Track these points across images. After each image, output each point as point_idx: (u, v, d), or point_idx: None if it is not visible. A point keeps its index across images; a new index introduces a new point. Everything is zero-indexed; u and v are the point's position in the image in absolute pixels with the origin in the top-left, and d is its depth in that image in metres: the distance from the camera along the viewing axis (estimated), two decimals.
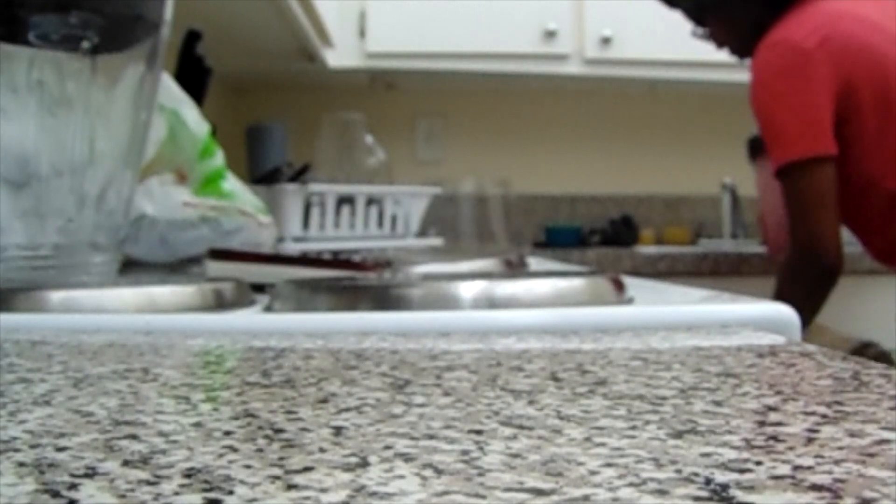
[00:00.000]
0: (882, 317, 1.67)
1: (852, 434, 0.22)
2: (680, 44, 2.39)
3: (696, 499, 0.17)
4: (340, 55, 2.28)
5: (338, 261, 0.85)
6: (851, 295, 1.71)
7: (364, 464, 0.20)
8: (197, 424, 0.24)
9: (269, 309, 0.57)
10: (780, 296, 1.51)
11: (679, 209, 2.72)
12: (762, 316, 0.46)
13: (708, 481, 0.18)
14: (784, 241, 1.74)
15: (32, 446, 0.22)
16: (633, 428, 0.23)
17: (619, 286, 0.57)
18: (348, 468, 0.19)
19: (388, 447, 0.21)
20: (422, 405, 0.26)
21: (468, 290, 0.52)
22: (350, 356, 0.37)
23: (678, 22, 2.38)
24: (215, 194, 0.98)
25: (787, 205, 1.48)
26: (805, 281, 1.49)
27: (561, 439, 0.22)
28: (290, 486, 0.18)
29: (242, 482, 0.18)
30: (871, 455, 0.20)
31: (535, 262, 1.21)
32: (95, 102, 0.69)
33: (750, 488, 0.18)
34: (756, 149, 1.96)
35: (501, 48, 2.34)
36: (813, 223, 1.45)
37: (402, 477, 0.19)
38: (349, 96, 2.56)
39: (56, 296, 0.53)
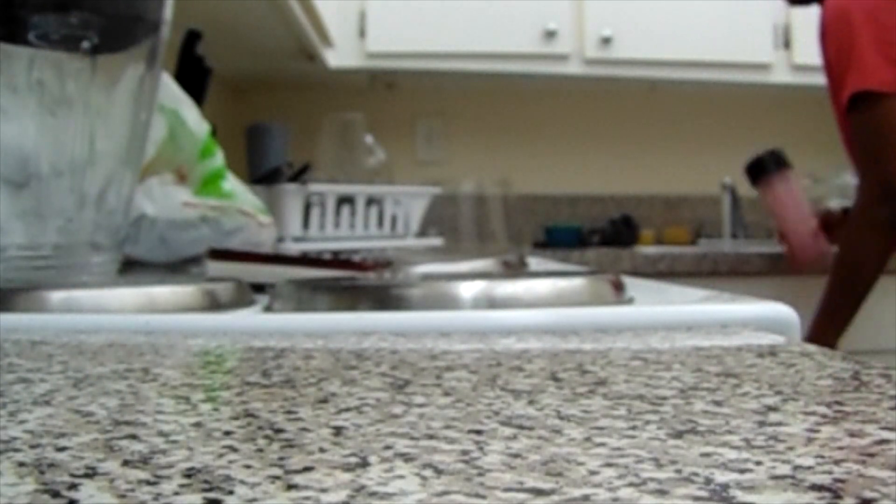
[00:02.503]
0: (885, 317, 1.67)
1: (852, 434, 0.22)
2: (680, 44, 2.39)
3: (696, 499, 0.17)
4: (340, 55, 2.28)
5: (338, 261, 0.85)
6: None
7: (364, 464, 0.20)
8: (197, 424, 0.24)
9: (269, 309, 0.57)
10: (853, 245, 1.45)
11: (679, 209, 2.72)
12: (762, 316, 0.46)
13: (708, 481, 0.18)
14: (811, 244, 1.72)
15: (32, 446, 0.22)
16: (633, 428, 0.23)
17: (619, 286, 0.57)
18: (348, 468, 0.19)
19: (388, 447, 0.21)
20: (422, 405, 0.26)
21: (468, 290, 0.52)
22: (350, 356, 0.37)
23: (678, 22, 2.38)
24: (215, 194, 0.98)
25: (859, 140, 1.41)
26: (882, 224, 1.43)
27: (561, 439, 0.22)
28: (290, 486, 0.18)
29: (242, 482, 0.18)
30: (871, 455, 0.20)
31: (535, 262, 1.21)
32: (95, 102, 0.69)
33: (750, 488, 0.18)
34: (758, 171, 1.94)
35: (501, 48, 2.34)
36: (889, 159, 1.38)
37: (402, 477, 0.19)
38: (349, 96, 2.56)
39: (56, 296, 0.53)
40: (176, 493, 0.18)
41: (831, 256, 1.66)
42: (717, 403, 0.26)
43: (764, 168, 1.90)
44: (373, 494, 0.17)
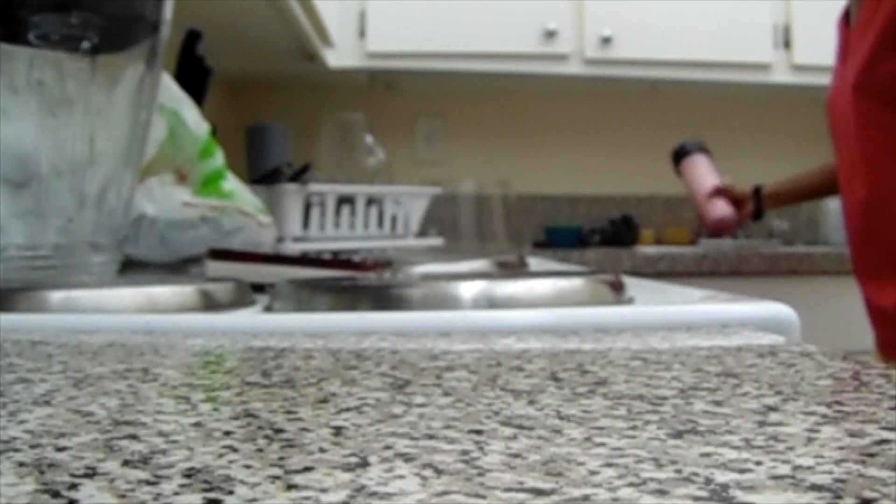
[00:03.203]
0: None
1: (852, 434, 0.22)
2: (680, 44, 2.39)
3: (696, 499, 0.17)
4: (340, 55, 2.28)
5: (338, 261, 0.85)
6: (841, 296, 1.71)
7: (364, 464, 0.20)
8: (197, 424, 0.24)
9: (269, 309, 0.57)
10: None
11: (679, 209, 2.72)
12: (762, 316, 0.46)
13: (708, 481, 0.18)
14: (708, 209, 1.91)
15: (32, 446, 0.22)
16: (633, 428, 0.23)
17: (619, 286, 0.57)
18: (348, 468, 0.19)
19: (388, 447, 0.21)
20: (422, 405, 0.26)
21: (468, 290, 0.52)
22: (350, 356, 0.37)
23: (678, 22, 2.38)
24: (215, 194, 0.98)
25: None
26: None
27: (561, 439, 0.22)
28: (290, 486, 0.18)
29: (242, 482, 0.18)
30: (871, 455, 0.20)
31: (535, 262, 1.21)
32: (95, 102, 0.69)
33: (750, 488, 0.18)
34: (678, 154, 2.08)
35: (501, 48, 2.34)
36: None
37: (402, 477, 0.19)
38: (349, 96, 2.56)
39: (56, 296, 0.53)
40: (176, 493, 0.18)
41: (733, 224, 1.87)
42: (717, 403, 0.26)
43: (684, 150, 2.05)
44: (373, 494, 0.17)
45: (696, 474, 0.19)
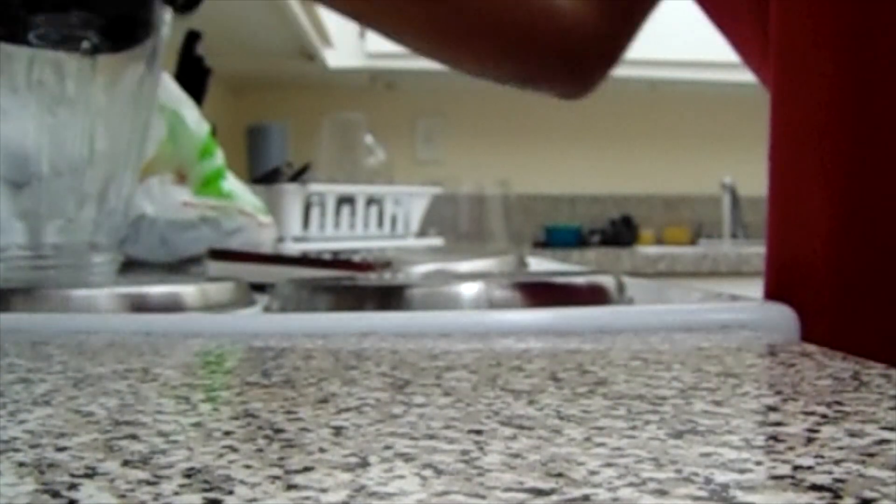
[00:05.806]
0: None
1: (852, 434, 0.22)
2: (680, 44, 2.39)
3: (696, 499, 0.17)
4: (340, 55, 2.28)
5: (338, 261, 0.85)
6: None
7: (364, 464, 0.20)
8: (197, 424, 0.24)
9: (269, 309, 0.57)
10: None
11: (679, 209, 2.72)
12: (762, 316, 0.46)
13: (708, 481, 0.18)
14: None
15: (32, 446, 0.22)
16: (633, 428, 0.23)
17: (619, 286, 0.57)
18: (348, 468, 0.19)
19: (388, 447, 0.21)
20: (422, 405, 0.26)
21: (468, 290, 0.52)
22: (350, 356, 0.37)
23: (678, 22, 2.38)
24: (215, 194, 0.98)
25: None
26: None
27: (561, 439, 0.22)
28: (290, 486, 0.18)
29: (242, 482, 0.18)
30: (871, 455, 0.20)
31: (535, 262, 1.21)
32: (95, 102, 0.69)
33: (750, 488, 0.18)
34: None
35: None
36: None
37: (402, 477, 0.19)
38: (349, 96, 2.56)
39: (56, 296, 0.53)
40: (176, 493, 0.18)
41: None
42: (717, 403, 0.26)
43: None
44: (373, 494, 0.17)
45: (696, 474, 0.19)
